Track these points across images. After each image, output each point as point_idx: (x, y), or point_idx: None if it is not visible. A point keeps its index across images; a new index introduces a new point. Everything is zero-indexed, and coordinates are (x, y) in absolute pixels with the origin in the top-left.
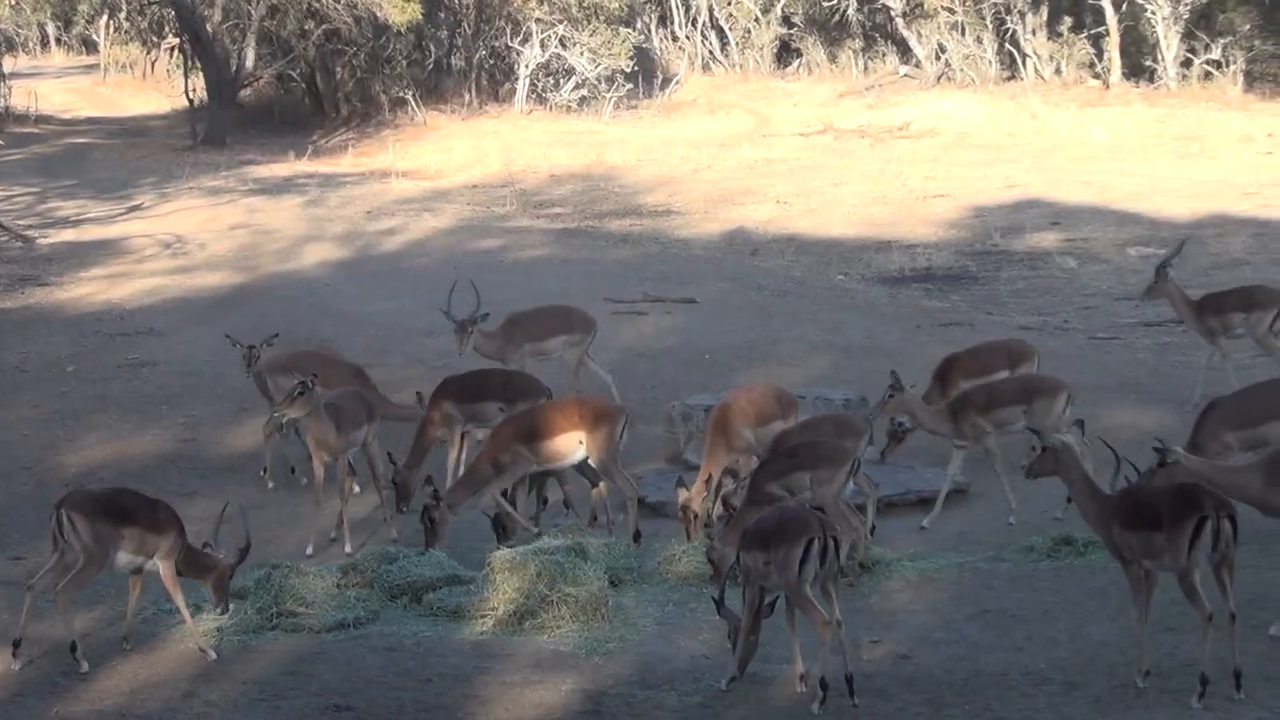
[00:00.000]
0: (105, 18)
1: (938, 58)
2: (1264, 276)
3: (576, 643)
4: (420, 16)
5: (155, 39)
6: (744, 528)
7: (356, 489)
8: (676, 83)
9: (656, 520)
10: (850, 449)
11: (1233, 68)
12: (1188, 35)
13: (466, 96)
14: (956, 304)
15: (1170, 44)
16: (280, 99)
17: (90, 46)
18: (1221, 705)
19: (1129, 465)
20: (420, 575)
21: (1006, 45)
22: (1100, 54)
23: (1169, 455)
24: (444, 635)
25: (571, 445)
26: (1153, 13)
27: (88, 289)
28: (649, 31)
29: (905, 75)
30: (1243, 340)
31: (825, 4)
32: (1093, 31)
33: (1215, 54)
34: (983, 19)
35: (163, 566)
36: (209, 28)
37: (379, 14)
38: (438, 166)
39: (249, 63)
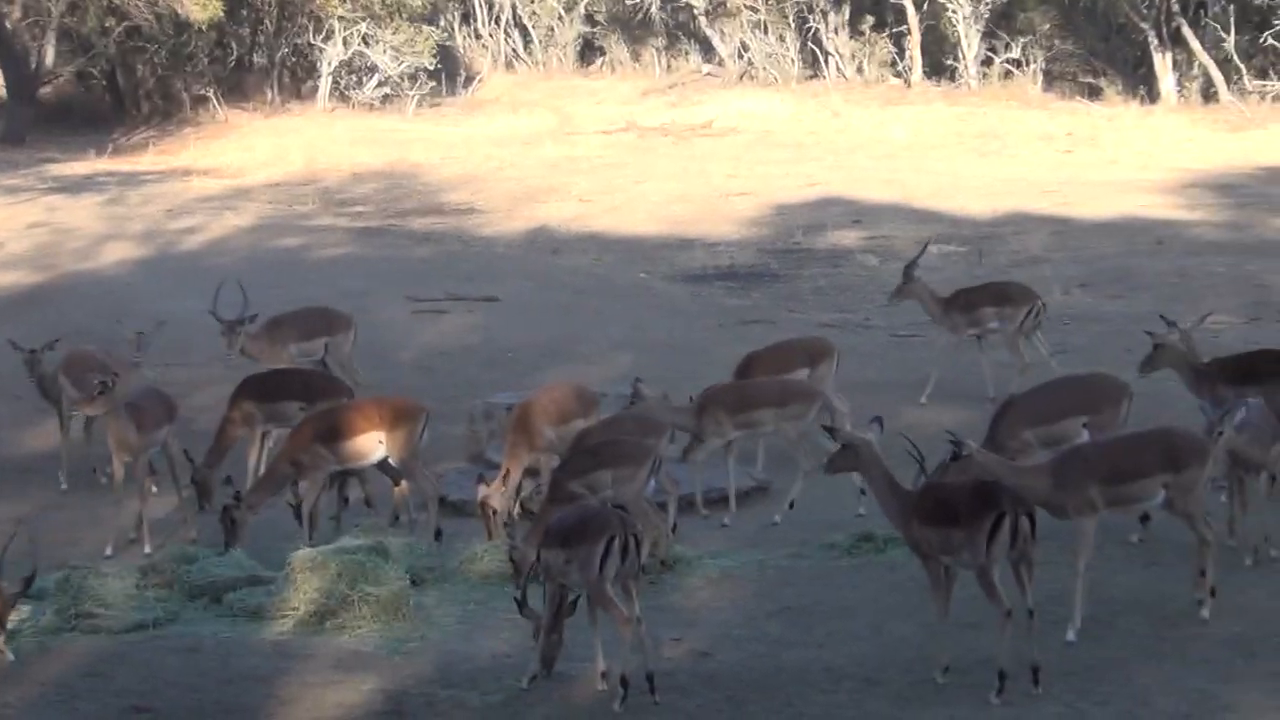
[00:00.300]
0: None
1: (740, 56)
2: (1061, 274)
3: (378, 642)
4: (222, 14)
5: None
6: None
7: (154, 489)
8: (479, 80)
9: (458, 519)
10: (652, 447)
11: (1033, 67)
12: (988, 34)
13: (269, 94)
14: (758, 302)
15: (971, 43)
16: (80, 96)
17: None
18: (1020, 701)
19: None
20: (220, 575)
21: (809, 44)
22: (902, 53)
23: (963, 449)
24: (244, 635)
25: (371, 445)
26: (954, 12)
27: None
28: (452, 29)
29: (708, 73)
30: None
31: (628, 2)
32: (894, 30)
33: (1015, 53)
34: (785, 18)
35: None
36: (8, 24)
37: (180, 11)
38: (239, 164)
39: (49, 60)
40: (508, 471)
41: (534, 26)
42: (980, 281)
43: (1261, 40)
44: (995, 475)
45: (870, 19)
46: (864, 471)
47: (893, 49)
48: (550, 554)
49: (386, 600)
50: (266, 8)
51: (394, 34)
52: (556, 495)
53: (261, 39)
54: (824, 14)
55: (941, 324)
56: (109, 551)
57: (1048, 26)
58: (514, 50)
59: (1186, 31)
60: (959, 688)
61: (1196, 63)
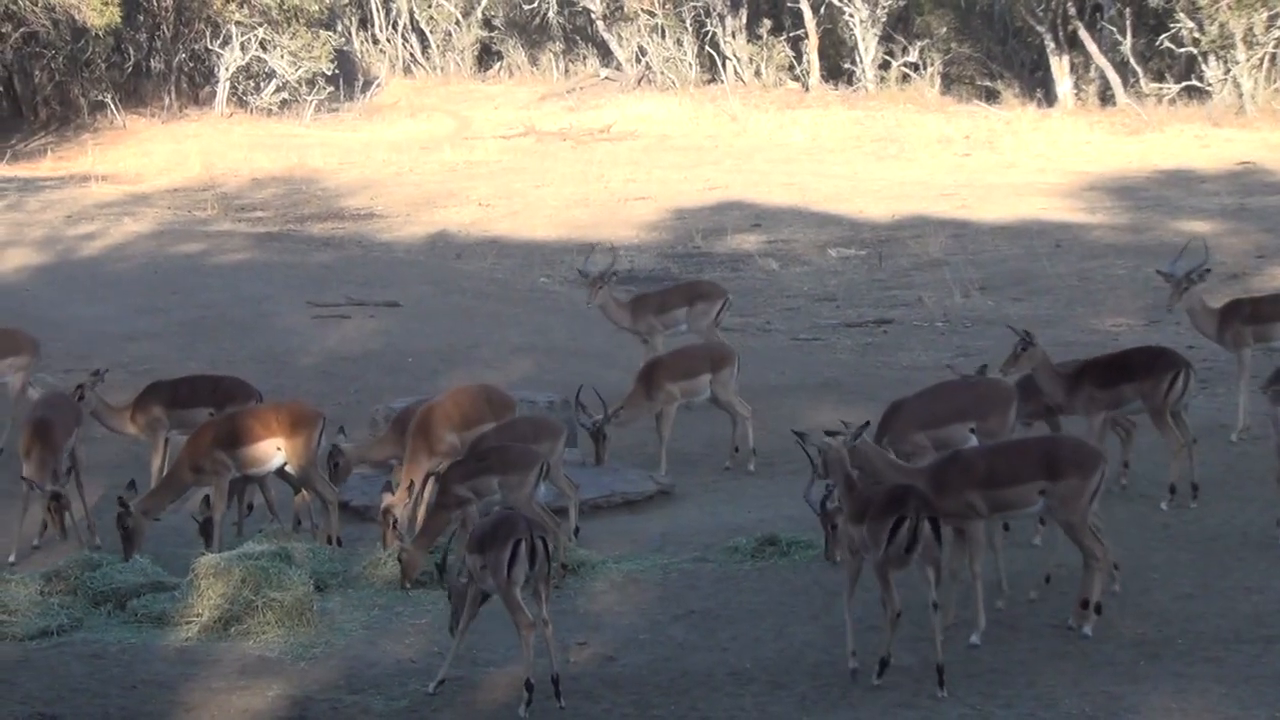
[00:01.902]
0: None
1: (638, 60)
2: (961, 277)
3: (282, 648)
4: (119, 20)
5: None
6: (432, 530)
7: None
8: (378, 85)
9: (362, 524)
10: (539, 452)
11: (930, 70)
12: (885, 38)
13: (166, 100)
14: None
15: (868, 47)
16: None
17: None
18: (926, 703)
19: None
20: (124, 581)
21: (707, 48)
22: (799, 57)
23: (850, 437)
24: (149, 642)
25: (270, 451)
26: (851, 16)
27: None
28: (349, 34)
29: (606, 78)
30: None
31: (526, 7)
32: (792, 34)
33: (913, 56)
34: (683, 22)
35: None
36: None
37: (78, 17)
38: (138, 170)
39: None
40: (411, 481)
41: (431, 31)
42: (667, 285)
43: (1158, 43)
44: (876, 470)
45: (768, 23)
46: (831, 474)
47: (790, 53)
48: (471, 559)
49: (291, 606)
50: (164, 13)
51: (291, 39)
52: (443, 500)
53: (159, 45)
54: (721, 18)
55: (634, 329)
56: (12, 559)
57: (945, 30)
58: (412, 55)
59: (1083, 35)
60: (863, 690)
61: (1093, 66)
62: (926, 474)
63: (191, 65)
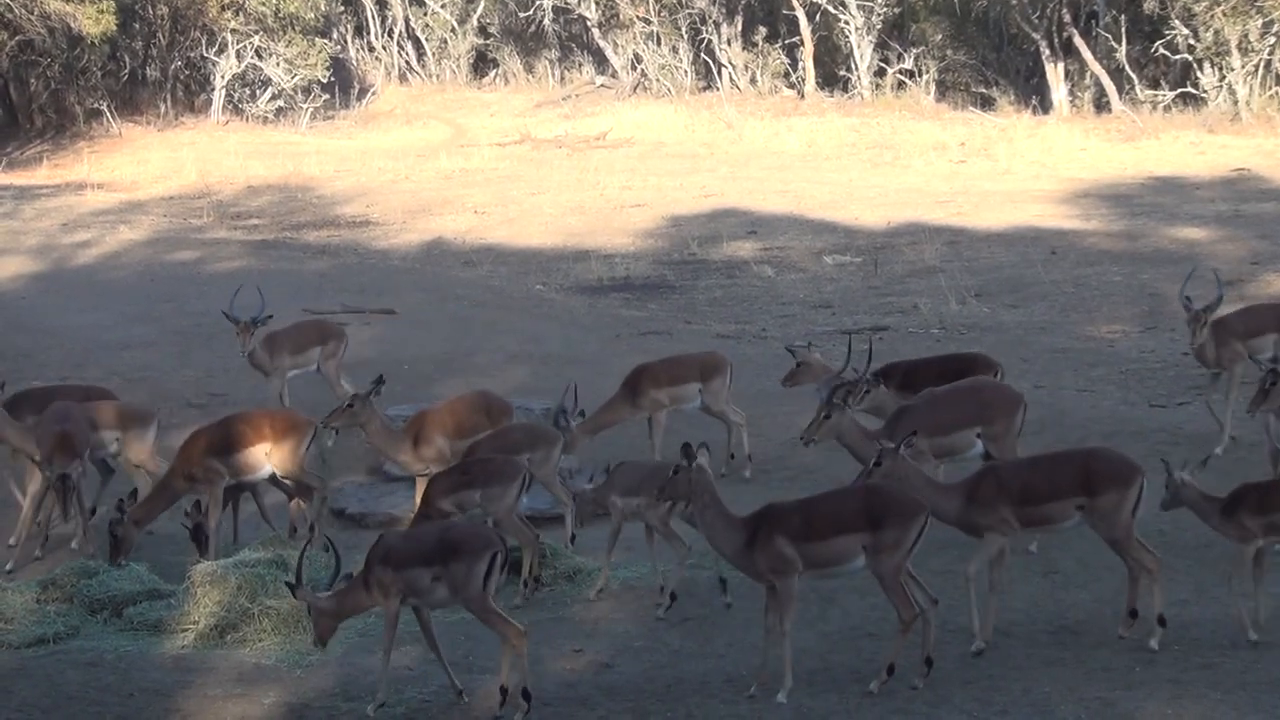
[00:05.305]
0: None
1: (634, 68)
2: (956, 284)
3: (279, 656)
4: (114, 28)
5: None
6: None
7: None
8: (373, 93)
9: (359, 532)
10: (522, 465)
11: (925, 77)
12: (881, 45)
13: (162, 108)
14: (655, 313)
15: (864, 54)
16: None
17: None
18: (922, 710)
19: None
20: (120, 589)
21: (702, 55)
22: (795, 64)
23: (884, 454)
24: (145, 650)
25: (261, 457)
26: (846, 23)
27: None
28: (345, 42)
29: (602, 85)
30: None
31: (521, 14)
32: (787, 41)
33: (908, 64)
34: (678, 29)
35: None
36: None
37: (73, 25)
38: (133, 178)
39: None
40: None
41: (427, 39)
42: (292, 324)
43: (1153, 50)
44: (912, 485)
45: (763, 30)
46: (695, 498)
47: (786, 60)
48: (415, 573)
49: (287, 613)
50: (159, 21)
51: (287, 47)
52: (427, 512)
53: (154, 52)
54: (717, 25)
55: (271, 368)
56: (9, 566)
57: (940, 37)
58: (407, 63)
59: (1078, 41)
60: (859, 697)
61: (1089, 73)
62: (961, 489)
63: (187, 73)
